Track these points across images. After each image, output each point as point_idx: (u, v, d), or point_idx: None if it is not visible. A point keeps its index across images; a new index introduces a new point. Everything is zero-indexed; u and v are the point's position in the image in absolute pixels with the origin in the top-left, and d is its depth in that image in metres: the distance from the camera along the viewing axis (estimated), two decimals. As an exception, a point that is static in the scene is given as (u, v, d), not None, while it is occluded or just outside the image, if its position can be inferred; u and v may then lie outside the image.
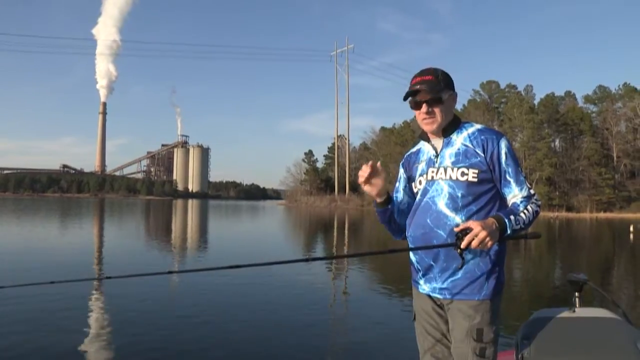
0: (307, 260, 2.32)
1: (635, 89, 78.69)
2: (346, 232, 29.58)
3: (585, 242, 24.81)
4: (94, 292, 8.61)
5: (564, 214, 65.08)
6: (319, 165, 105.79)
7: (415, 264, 2.30)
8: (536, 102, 79.92)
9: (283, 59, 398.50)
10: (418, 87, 2.19)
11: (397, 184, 2.48)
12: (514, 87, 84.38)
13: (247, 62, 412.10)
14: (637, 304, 8.80)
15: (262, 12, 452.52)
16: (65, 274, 10.42)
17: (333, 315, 7.67)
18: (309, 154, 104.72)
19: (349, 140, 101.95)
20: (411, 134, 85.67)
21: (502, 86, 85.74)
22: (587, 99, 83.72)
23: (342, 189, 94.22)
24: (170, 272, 2.55)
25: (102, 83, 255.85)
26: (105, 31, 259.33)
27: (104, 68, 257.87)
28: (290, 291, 9.04)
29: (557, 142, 79.74)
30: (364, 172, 2.25)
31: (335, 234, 27.88)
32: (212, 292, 8.71)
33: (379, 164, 2.27)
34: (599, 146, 74.26)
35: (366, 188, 2.30)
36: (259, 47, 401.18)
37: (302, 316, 7.27)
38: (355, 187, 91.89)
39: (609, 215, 66.14)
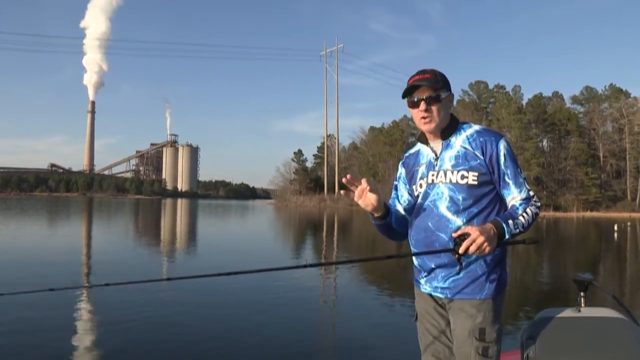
0: (304, 266, 2.25)
1: (621, 89, 79.67)
2: (335, 232, 29.68)
3: (575, 242, 25.09)
4: (82, 298, 8.53)
5: (551, 214, 65.64)
6: (309, 164, 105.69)
7: (418, 266, 2.30)
8: (524, 102, 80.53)
9: (272, 59, 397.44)
10: (417, 83, 2.18)
11: (397, 183, 2.46)
12: (503, 87, 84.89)
13: (236, 61, 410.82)
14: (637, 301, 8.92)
15: (251, 11, 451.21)
16: (57, 276, 10.39)
17: (326, 317, 7.69)
18: (299, 153, 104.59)
19: (338, 140, 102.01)
20: (400, 134, 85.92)
21: (491, 86, 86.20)
22: (574, 99, 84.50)
23: (331, 188, 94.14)
24: (168, 279, 2.54)
25: (90, 76, 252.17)
26: (95, 20, 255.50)
27: (93, 61, 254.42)
28: (281, 293, 9.01)
29: (544, 142, 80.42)
30: (356, 188, 2.22)
31: (324, 234, 27.96)
32: (202, 295, 8.66)
33: (364, 181, 2.22)
34: (586, 146, 75.03)
35: (361, 203, 2.24)
36: (249, 47, 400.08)
37: (294, 318, 7.27)
38: (344, 187, 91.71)
39: (595, 214, 66.84)
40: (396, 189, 2.45)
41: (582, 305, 2.56)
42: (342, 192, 2.27)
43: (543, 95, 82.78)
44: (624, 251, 20.19)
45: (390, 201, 2.44)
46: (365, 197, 2.21)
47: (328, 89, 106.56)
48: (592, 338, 2.29)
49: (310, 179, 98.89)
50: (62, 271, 11.11)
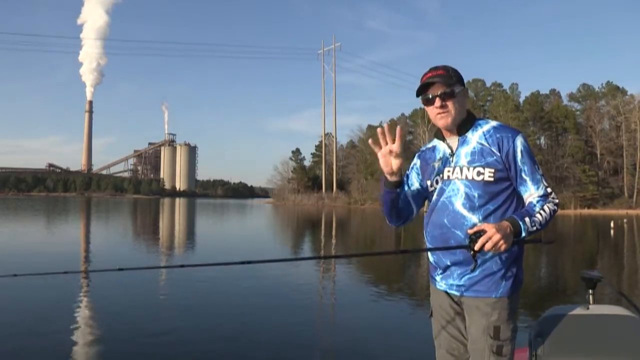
0: (317, 258, 2.20)
1: (618, 87, 79.90)
2: (334, 231, 29.76)
3: (572, 239, 25.11)
4: (81, 290, 8.58)
5: (548, 211, 65.52)
6: (307, 163, 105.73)
7: (434, 263, 2.30)
8: (521, 100, 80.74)
9: (270, 57, 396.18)
10: (430, 80, 2.17)
11: (409, 172, 2.43)
12: (500, 85, 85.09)
13: (234, 60, 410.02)
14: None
15: (249, 10, 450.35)
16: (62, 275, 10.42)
17: (322, 315, 7.72)
18: (297, 152, 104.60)
19: (336, 139, 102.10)
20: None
21: (488, 84, 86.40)
22: (571, 97, 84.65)
23: (329, 186, 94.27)
24: (182, 266, 2.39)
25: (89, 72, 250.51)
26: (92, 14, 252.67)
27: (90, 55, 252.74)
28: (278, 291, 9.00)
29: (542, 140, 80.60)
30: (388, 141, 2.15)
31: (323, 232, 28.01)
32: (197, 292, 8.67)
33: (397, 141, 2.14)
34: (583, 144, 75.19)
35: (382, 162, 2.19)
36: (246, 46, 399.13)
37: (292, 317, 7.26)
38: (342, 185, 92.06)
39: (592, 211, 66.94)
40: (408, 177, 2.42)
41: (591, 302, 2.54)
42: (370, 140, 2.22)
43: (540, 92, 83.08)
44: (620, 247, 20.31)
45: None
46: (387, 158, 2.18)
47: (326, 87, 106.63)
48: (601, 336, 2.29)
49: (308, 177, 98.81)
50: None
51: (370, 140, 2.22)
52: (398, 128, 2.15)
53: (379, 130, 2.17)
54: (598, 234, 28.73)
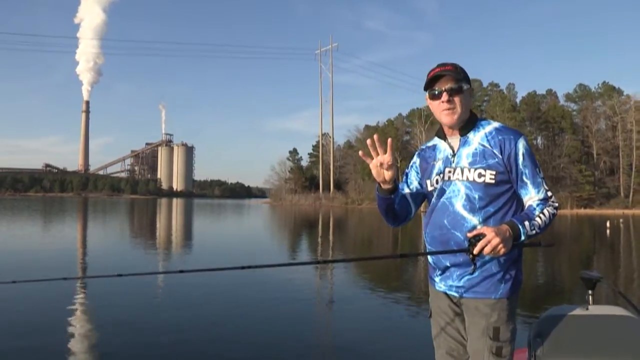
0: (317, 263, 2.19)
1: (614, 87, 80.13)
2: (331, 231, 29.76)
3: (568, 239, 25.15)
4: (79, 296, 8.52)
5: (545, 211, 65.58)
6: (304, 163, 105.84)
7: (433, 264, 2.29)
8: (518, 100, 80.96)
9: (267, 58, 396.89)
10: (439, 74, 2.14)
11: (408, 170, 2.41)
12: (497, 85, 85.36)
13: (231, 60, 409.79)
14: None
15: (248, 10, 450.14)
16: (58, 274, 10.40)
17: (322, 315, 7.72)
18: (294, 152, 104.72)
19: (333, 139, 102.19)
20: (395, 133, 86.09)
21: (485, 85, 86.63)
22: (567, 97, 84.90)
23: (326, 187, 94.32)
24: (181, 272, 2.30)
25: (86, 71, 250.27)
26: (89, 12, 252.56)
27: (88, 54, 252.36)
28: (277, 293, 8.98)
29: (538, 140, 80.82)
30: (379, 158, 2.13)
31: (320, 233, 28.01)
32: (197, 296, 8.59)
33: (388, 153, 2.12)
34: (580, 144, 75.43)
35: (374, 172, 2.18)
36: (243, 46, 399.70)
37: (291, 318, 7.27)
38: (339, 185, 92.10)
39: (588, 211, 67.11)
40: (407, 176, 2.42)
41: (590, 303, 2.54)
42: (360, 153, 2.22)
43: (537, 93, 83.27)
44: (617, 247, 20.38)
45: (400, 185, 2.38)
46: (379, 169, 2.17)
47: (323, 87, 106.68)
48: (600, 336, 2.29)
49: (305, 177, 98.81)
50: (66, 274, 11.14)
51: (360, 153, 2.21)
52: (389, 140, 2.13)
53: (368, 141, 2.14)
54: (594, 234, 28.81)
